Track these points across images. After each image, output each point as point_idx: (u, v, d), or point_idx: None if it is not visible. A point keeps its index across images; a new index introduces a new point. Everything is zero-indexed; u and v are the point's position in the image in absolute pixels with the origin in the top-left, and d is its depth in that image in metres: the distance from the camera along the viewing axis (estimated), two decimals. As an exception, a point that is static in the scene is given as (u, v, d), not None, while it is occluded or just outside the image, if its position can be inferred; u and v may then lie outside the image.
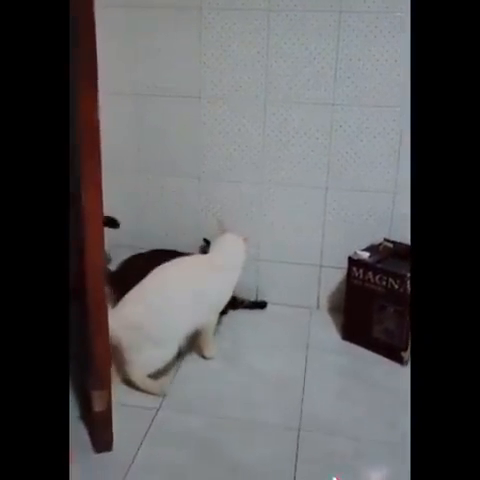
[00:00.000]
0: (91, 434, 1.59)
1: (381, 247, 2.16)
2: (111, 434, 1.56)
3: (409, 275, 1.93)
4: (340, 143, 2.17)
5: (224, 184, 2.30)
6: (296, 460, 1.56)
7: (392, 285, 1.98)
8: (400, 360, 1.99)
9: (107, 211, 2.02)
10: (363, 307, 2.07)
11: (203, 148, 2.28)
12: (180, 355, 1.93)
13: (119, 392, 1.71)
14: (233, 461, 1.55)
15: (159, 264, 1.91)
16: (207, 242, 2.23)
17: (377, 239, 2.19)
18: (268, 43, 2.12)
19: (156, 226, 2.39)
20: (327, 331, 2.21)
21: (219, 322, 2.08)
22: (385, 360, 2.02)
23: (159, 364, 1.84)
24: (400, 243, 2.12)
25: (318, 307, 2.36)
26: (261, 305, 2.37)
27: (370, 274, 2.03)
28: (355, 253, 2.10)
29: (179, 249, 2.22)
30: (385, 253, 2.12)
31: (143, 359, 1.80)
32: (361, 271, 2.06)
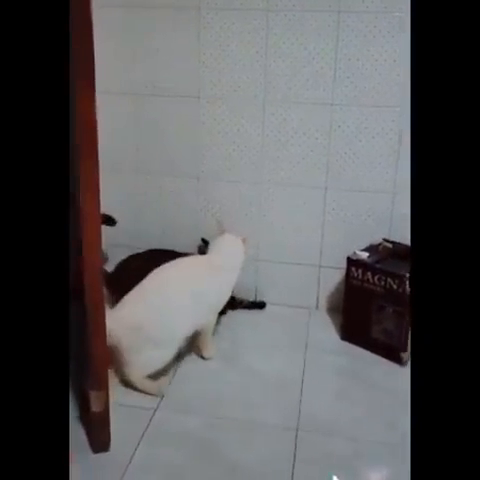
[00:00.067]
0: (89, 434, 1.59)
1: (380, 247, 2.15)
2: (109, 434, 1.55)
3: (408, 275, 1.93)
4: (339, 143, 2.17)
5: (223, 184, 2.30)
6: (294, 460, 1.56)
7: (391, 285, 1.98)
8: (399, 360, 1.99)
9: (105, 211, 2.04)
10: (362, 307, 2.06)
11: (202, 148, 2.28)
12: (179, 355, 1.92)
13: (117, 392, 1.71)
14: (231, 461, 1.55)
15: (156, 264, 1.91)
16: (205, 242, 2.23)
17: (376, 239, 2.18)
18: (267, 43, 2.11)
19: (154, 226, 2.38)
20: (326, 331, 2.21)
21: (218, 322, 2.07)
22: (384, 360, 2.02)
23: (158, 365, 1.83)
24: (399, 243, 2.12)
25: (317, 307, 2.36)
26: (260, 305, 2.36)
27: (369, 274, 2.03)
28: (354, 253, 2.10)
29: (178, 249, 2.22)
30: (384, 253, 2.12)
31: (142, 360, 1.79)
32: (360, 271, 2.05)
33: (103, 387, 1.51)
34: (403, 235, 2.10)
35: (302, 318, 2.29)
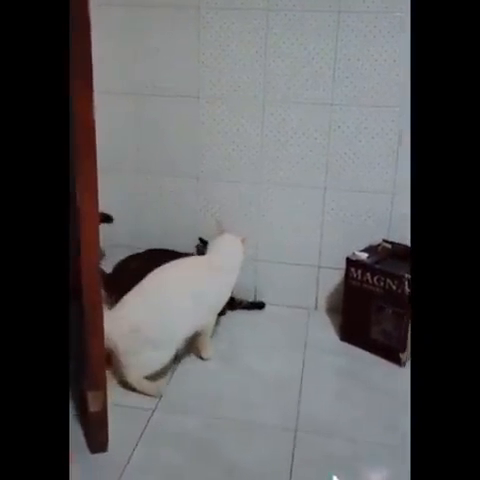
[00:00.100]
0: (86, 435, 1.59)
1: (379, 248, 2.15)
2: (106, 435, 1.55)
3: (407, 276, 1.92)
4: (338, 143, 2.17)
5: (222, 184, 2.30)
6: (293, 461, 1.55)
7: (390, 286, 1.97)
8: (398, 361, 1.99)
9: (105, 210, 2.04)
10: (361, 308, 2.06)
11: (201, 148, 2.27)
12: (177, 356, 1.92)
13: (115, 393, 1.71)
14: (229, 462, 1.55)
15: (156, 265, 1.90)
16: (203, 241, 2.23)
17: (375, 240, 2.18)
18: (267, 43, 2.11)
19: (154, 226, 2.38)
20: (325, 332, 2.21)
21: (217, 323, 2.07)
22: (383, 361, 2.01)
23: (157, 366, 1.83)
24: (399, 244, 2.12)
25: (316, 308, 2.36)
26: (259, 306, 2.36)
27: (368, 275, 2.03)
28: (353, 254, 2.10)
29: (177, 249, 2.22)
30: (383, 254, 2.11)
31: (141, 361, 1.79)
32: (359, 272, 2.05)
33: (101, 387, 1.51)
34: (402, 236, 2.09)
35: (301, 318, 2.29)
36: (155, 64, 2.22)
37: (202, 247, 2.19)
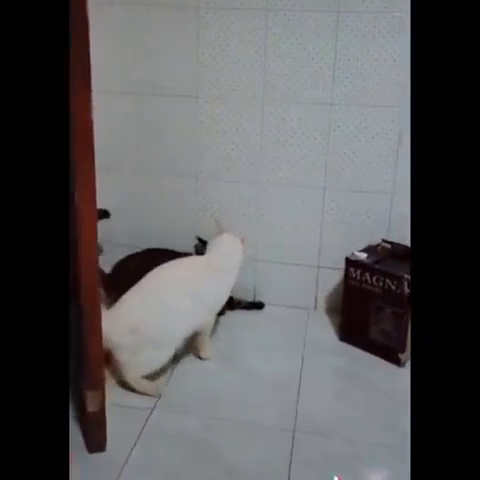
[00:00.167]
0: (85, 434, 1.59)
1: (379, 248, 2.15)
2: (105, 434, 1.55)
3: (406, 276, 1.92)
4: (338, 143, 2.16)
5: (222, 184, 2.29)
6: (291, 462, 1.55)
7: (389, 286, 1.97)
8: (397, 362, 1.98)
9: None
10: (360, 308, 2.06)
11: (201, 148, 2.27)
12: (176, 356, 1.92)
13: (113, 393, 1.71)
14: (228, 462, 1.55)
15: (155, 264, 1.90)
16: (201, 241, 2.22)
17: (375, 240, 2.18)
18: (266, 43, 2.11)
19: (153, 225, 2.38)
20: (324, 332, 2.21)
21: (216, 323, 2.07)
22: (382, 362, 2.01)
23: (156, 366, 1.82)
24: (398, 244, 2.12)
25: (315, 308, 2.36)
26: (258, 306, 2.36)
27: (367, 275, 2.02)
28: (353, 254, 2.09)
29: (176, 248, 2.22)
30: (383, 254, 2.11)
31: (140, 360, 1.79)
32: (358, 272, 2.05)
33: (99, 387, 1.51)
34: (402, 236, 2.09)
35: (300, 319, 2.29)
36: (155, 64, 2.22)
37: (201, 247, 2.18)
